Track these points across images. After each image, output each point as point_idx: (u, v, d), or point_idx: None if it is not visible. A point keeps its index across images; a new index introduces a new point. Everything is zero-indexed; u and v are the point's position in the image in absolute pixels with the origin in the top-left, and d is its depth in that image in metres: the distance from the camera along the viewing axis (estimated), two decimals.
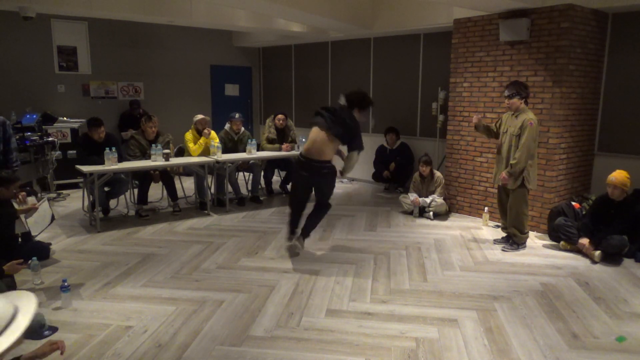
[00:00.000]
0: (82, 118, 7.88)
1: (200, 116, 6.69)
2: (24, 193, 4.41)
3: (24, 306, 1.90)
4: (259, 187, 7.21)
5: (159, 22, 8.19)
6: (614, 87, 5.71)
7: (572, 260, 4.74)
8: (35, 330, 3.08)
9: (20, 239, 4.34)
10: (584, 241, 4.73)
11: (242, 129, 7.06)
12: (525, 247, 5.06)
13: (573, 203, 5.34)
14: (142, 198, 6.18)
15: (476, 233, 5.61)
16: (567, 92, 5.36)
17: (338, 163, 4.76)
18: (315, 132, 4.58)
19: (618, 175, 4.64)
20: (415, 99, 7.72)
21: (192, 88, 9.75)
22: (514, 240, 5.01)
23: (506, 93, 4.81)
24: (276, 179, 7.73)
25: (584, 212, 5.15)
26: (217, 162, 6.35)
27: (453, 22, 6.23)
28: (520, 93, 4.73)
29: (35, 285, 3.96)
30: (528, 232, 5.06)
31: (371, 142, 8.34)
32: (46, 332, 3.18)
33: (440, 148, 7.28)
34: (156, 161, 5.89)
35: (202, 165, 6.32)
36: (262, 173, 7.23)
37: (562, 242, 4.97)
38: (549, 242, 5.24)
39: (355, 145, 4.62)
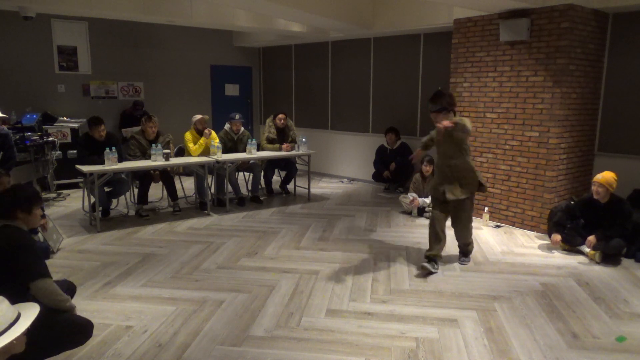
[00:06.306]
0: (82, 118, 7.89)
1: (199, 116, 6.69)
2: (45, 220, 4.54)
3: (27, 313, 2.08)
4: (259, 187, 7.21)
5: (159, 22, 8.18)
6: (614, 87, 5.71)
7: (572, 260, 4.74)
8: None
9: None
10: (556, 237, 4.88)
11: (242, 129, 7.05)
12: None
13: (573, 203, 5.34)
14: (142, 198, 6.18)
15: (476, 233, 5.60)
16: (567, 92, 5.36)
17: None
18: None
19: (605, 175, 4.65)
20: (415, 99, 7.72)
21: (192, 88, 9.76)
22: (468, 250, 4.68)
23: (431, 108, 4.26)
24: (276, 179, 7.73)
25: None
26: (217, 162, 6.35)
27: (453, 22, 6.23)
28: (447, 107, 4.21)
29: None
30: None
31: (371, 142, 8.35)
32: None
33: None
34: (156, 161, 5.89)
35: (202, 165, 6.32)
36: (262, 173, 7.23)
37: (561, 243, 4.98)
38: (549, 242, 5.23)
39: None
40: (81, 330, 2.86)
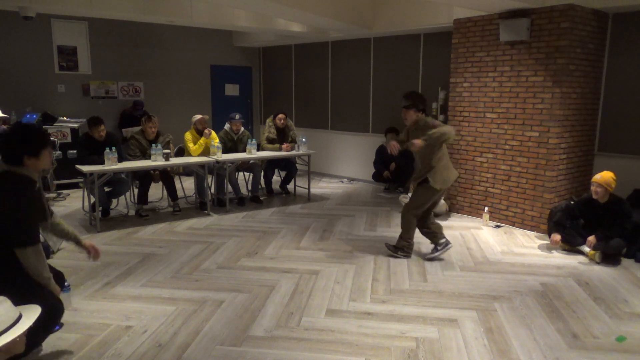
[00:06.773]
0: (82, 118, 7.88)
1: (199, 116, 6.69)
2: None
3: (28, 314, 2.12)
4: (259, 187, 7.21)
5: (159, 22, 8.19)
6: (614, 87, 5.71)
7: (572, 260, 4.74)
8: None
9: None
10: (556, 237, 4.87)
11: (242, 129, 7.06)
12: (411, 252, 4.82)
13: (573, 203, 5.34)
14: (142, 198, 6.18)
15: (476, 233, 5.61)
16: (567, 92, 5.36)
17: None
18: None
19: (604, 174, 4.66)
20: None
21: (192, 88, 9.76)
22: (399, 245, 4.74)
23: (404, 103, 4.64)
24: (276, 179, 7.73)
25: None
26: (217, 162, 6.35)
27: (453, 22, 6.23)
28: (417, 106, 4.58)
29: None
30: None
31: (371, 142, 8.35)
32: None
33: None
34: (156, 161, 5.89)
35: (202, 165, 6.32)
36: (262, 173, 7.23)
37: (561, 243, 4.97)
38: (549, 242, 5.23)
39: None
40: (50, 310, 2.74)
